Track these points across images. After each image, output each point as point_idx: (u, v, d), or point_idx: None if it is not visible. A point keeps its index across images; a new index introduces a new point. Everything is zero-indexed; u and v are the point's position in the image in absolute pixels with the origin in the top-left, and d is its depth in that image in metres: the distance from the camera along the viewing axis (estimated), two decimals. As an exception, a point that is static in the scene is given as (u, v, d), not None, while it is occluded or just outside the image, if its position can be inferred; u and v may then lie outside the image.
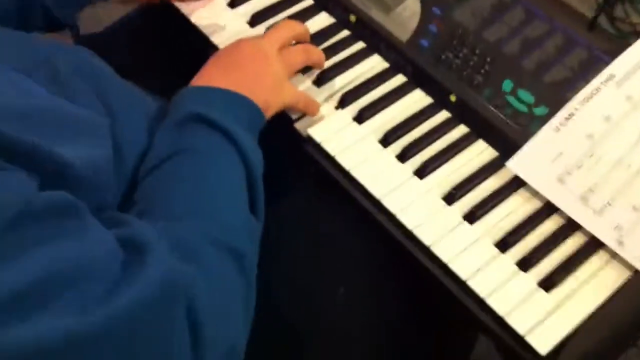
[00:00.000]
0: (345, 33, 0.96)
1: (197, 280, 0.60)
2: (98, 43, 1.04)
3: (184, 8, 0.97)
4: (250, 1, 0.99)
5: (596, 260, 0.77)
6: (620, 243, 0.76)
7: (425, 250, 0.77)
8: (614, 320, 0.74)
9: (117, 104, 0.76)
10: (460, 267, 0.75)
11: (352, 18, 0.96)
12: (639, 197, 0.78)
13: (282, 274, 0.83)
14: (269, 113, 0.82)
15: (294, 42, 0.89)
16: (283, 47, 0.86)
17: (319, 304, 0.84)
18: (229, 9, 0.98)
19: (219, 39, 0.94)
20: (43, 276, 0.49)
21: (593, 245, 0.78)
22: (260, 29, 0.96)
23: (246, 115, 0.78)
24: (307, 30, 0.91)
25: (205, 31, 0.96)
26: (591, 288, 0.75)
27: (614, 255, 0.77)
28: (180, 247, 0.62)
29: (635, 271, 0.75)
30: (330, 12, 0.98)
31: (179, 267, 0.59)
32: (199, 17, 0.97)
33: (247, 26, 0.97)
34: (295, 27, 0.90)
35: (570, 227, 0.79)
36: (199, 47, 0.96)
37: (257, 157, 0.75)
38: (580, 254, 0.77)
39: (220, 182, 0.72)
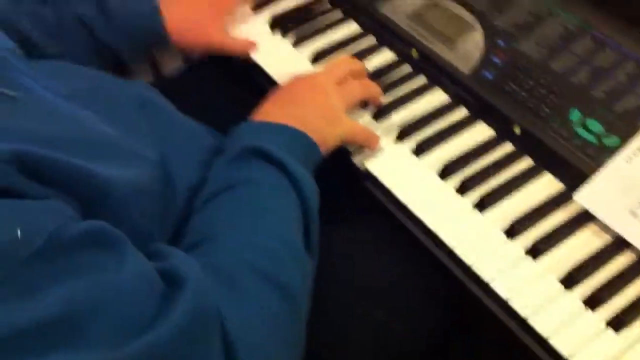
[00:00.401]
0: (407, 69, 0.95)
1: (233, 307, 0.59)
2: (173, 84, 1.08)
3: (240, 49, 0.99)
4: (313, 40, 0.99)
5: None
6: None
7: (484, 286, 0.73)
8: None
9: (171, 137, 0.77)
10: (521, 304, 0.71)
11: (414, 53, 0.94)
12: None
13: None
14: (326, 147, 0.81)
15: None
16: (340, 82, 0.86)
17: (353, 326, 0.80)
18: (293, 48, 0.99)
19: (282, 78, 0.95)
20: (70, 308, 0.49)
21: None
22: (323, 66, 0.96)
23: (302, 149, 0.77)
24: (363, 66, 0.91)
25: (269, 70, 0.97)
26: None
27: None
28: (219, 274, 0.62)
29: None
30: (393, 49, 0.97)
31: (213, 295, 0.58)
32: (262, 56, 0.97)
33: (309, 64, 0.97)
34: (352, 63, 0.89)
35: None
36: (264, 87, 0.96)
37: (312, 191, 0.74)
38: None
39: (272, 214, 0.70)
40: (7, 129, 0.57)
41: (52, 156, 0.55)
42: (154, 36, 0.93)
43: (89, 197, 0.59)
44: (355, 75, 0.89)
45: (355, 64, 0.90)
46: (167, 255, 0.62)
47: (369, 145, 0.85)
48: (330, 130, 0.81)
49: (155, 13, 0.93)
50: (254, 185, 0.72)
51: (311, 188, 0.74)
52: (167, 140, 0.76)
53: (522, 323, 0.70)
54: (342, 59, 0.90)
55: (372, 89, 0.88)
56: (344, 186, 0.88)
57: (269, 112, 0.81)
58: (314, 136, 0.78)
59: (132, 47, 0.93)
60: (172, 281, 0.57)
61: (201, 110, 0.90)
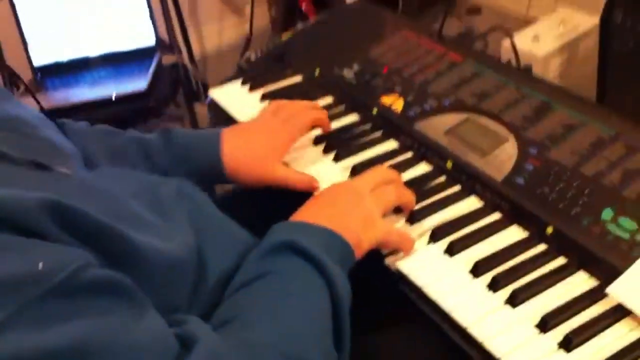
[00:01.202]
0: (442, 179, 0.97)
1: None
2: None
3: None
4: (353, 157, 1.03)
5: None
6: None
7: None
8: None
9: (208, 228, 0.81)
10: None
11: (449, 164, 0.97)
12: None
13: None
14: (361, 250, 0.82)
15: None
16: (376, 188, 0.89)
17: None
18: (333, 162, 1.03)
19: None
20: (79, 346, 0.51)
21: None
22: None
23: (336, 249, 0.79)
24: (397, 174, 0.94)
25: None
26: None
27: None
28: (246, 348, 0.62)
29: None
30: (429, 161, 1.00)
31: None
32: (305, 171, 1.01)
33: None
34: (387, 171, 0.93)
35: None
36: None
37: (345, 291, 0.75)
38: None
39: (303, 309, 0.71)
40: (49, 189, 0.61)
41: (83, 210, 0.59)
42: (210, 171, 0.97)
43: (117, 256, 0.62)
44: (390, 183, 0.92)
45: (390, 172, 0.93)
46: (184, 321, 0.63)
47: (403, 247, 0.86)
48: (365, 233, 0.82)
49: (216, 151, 0.97)
50: (287, 277, 0.73)
51: (345, 288, 0.75)
52: (202, 229, 0.79)
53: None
54: (378, 167, 0.94)
55: (407, 194, 0.91)
56: (380, 294, 0.89)
57: (307, 214, 0.83)
58: (349, 238, 0.80)
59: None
60: (186, 343, 0.59)
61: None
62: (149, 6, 1.94)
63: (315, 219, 0.81)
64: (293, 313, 0.70)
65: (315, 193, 0.88)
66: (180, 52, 2.05)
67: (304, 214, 0.83)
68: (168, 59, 1.96)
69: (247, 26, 2.65)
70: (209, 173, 0.97)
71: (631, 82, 1.76)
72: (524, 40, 2.31)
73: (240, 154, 0.98)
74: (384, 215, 0.88)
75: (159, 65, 1.89)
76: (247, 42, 2.64)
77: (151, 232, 0.69)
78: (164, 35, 2.03)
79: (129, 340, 0.55)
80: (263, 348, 0.65)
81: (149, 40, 1.97)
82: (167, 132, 0.97)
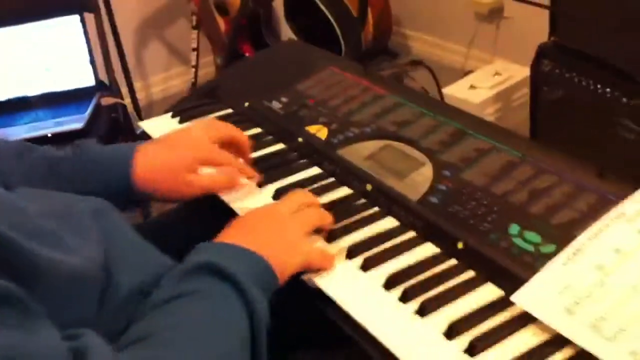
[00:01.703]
0: (361, 201, 0.99)
1: None
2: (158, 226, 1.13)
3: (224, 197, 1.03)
4: (277, 182, 1.05)
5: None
6: (637, 369, 0.68)
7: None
8: None
9: (119, 246, 0.81)
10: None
11: (368, 187, 1.00)
12: (656, 322, 0.71)
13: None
14: (285, 274, 0.82)
15: None
16: (297, 210, 0.90)
17: None
18: (256, 188, 1.05)
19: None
20: None
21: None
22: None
23: (258, 272, 0.79)
24: (316, 199, 0.96)
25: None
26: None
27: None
28: None
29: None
30: (350, 186, 1.02)
31: None
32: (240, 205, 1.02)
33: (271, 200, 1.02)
34: (306, 194, 0.95)
35: (584, 357, 0.71)
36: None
37: (264, 314, 0.75)
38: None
39: (218, 331, 0.72)
40: None
41: None
42: (119, 182, 0.95)
43: (15, 268, 0.62)
44: (309, 205, 0.94)
45: (308, 195, 0.96)
46: (79, 335, 0.63)
47: (325, 265, 0.87)
48: (289, 257, 0.83)
49: (126, 162, 0.95)
50: (204, 298, 0.74)
51: (264, 311, 0.75)
52: (113, 247, 0.79)
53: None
54: (297, 190, 0.96)
55: (326, 215, 0.93)
56: (295, 313, 0.90)
57: (229, 237, 0.84)
58: (273, 263, 0.80)
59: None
60: (77, 356, 0.59)
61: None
62: (89, 48, 1.96)
63: (238, 243, 0.81)
64: (208, 334, 0.70)
65: (236, 218, 0.89)
66: (120, 93, 2.06)
67: (228, 237, 0.84)
68: (109, 100, 1.96)
69: (192, 74, 2.69)
70: (117, 185, 0.94)
71: (560, 125, 1.84)
72: (461, 89, 2.41)
73: (154, 163, 0.96)
74: (306, 236, 0.89)
75: (98, 105, 1.90)
76: (193, 88, 2.68)
77: (55, 246, 0.70)
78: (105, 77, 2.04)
79: (19, 351, 0.55)
80: None
81: (89, 81, 1.98)
82: (77, 146, 0.97)
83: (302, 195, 0.94)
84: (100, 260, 0.76)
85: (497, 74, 2.45)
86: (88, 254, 0.75)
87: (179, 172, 0.98)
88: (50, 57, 1.97)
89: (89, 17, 2.01)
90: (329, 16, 2.57)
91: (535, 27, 1.85)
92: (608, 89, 1.66)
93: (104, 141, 1.89)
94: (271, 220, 0.87)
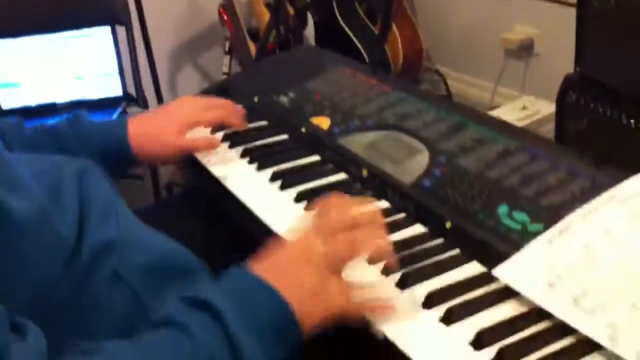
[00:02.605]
0: (357, 186, 0.99)
1: None
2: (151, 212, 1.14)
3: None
4: (275, 167, 1.05)
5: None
6: (613, 339, 0.65)
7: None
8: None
9: (95, 203, 0.82)
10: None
11: (364, 172, 0.99)
12: None
13: None
14: (306, 322, 0.67)
15: None
16: (331, 239, 0.73)
17: None
18: (255, 171, 1.05)
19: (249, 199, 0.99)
20: None
21: (586, 347, 0.67)
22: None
23: (272, 321, 0.66)
24: (356, 214, 0.76)
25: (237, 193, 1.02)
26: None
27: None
28: None
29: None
30: (347, 171, 1.02)
31: None
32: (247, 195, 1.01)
33: (268, 183, 1.02)
34: (348, 210, 0.76)
35: (562, 330, 0.69)
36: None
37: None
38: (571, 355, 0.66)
39: None
40: None
41: None
42: (117, 146, 1.02)
43: None
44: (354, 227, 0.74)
45: (353, 210, 0.76)
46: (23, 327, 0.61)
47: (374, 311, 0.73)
48: (310, 307, 0.68)
49: (123, 127, 1.03)
50: (188, 337, 0.62)
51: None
52: (88, 205, 0.81)
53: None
54: (335, 203, 0.77)
55: (373, 244, 0.75)
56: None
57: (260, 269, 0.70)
58: (297, 309, 0.67)
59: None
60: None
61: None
62: (119, 60, 2.01)
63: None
64: None
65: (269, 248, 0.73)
66: (147, 106, 2.10)
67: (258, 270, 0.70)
68: (134, 110, 2.00)
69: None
70: (115, 150, 1.01)
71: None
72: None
73: (146, 127, 1.04)
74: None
75: (123, 113, 1.94)
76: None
77: (30, 198, 0.71)
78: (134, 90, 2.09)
79: None
80: None
81: (116, 92, 2.02)
82: (74, 115, 1.03)
83: (341, 213, 0.75)
84: (74, 217, 0.77)
85: (524, 108, 2.43)
86: (63, 210, 0.76)
87: (168, 134, 1.05)
88: (80, 66, 2.02)
89: (121, 30, 2.06)
90: (359, 46, 2.60)
91: (564, 63, 1.84)
92: (632, 120, 1.64)
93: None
94: (297, 261, 0.71)
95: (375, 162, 1.00)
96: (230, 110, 1.14)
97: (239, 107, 1.17)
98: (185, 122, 1.07)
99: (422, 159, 0.97)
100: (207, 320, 0.62)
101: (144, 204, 1.21)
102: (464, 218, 0.85)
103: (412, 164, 0.97)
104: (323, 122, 1.12)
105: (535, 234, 0.79)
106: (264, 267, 0.69)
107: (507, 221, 0.82)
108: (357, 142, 1.05)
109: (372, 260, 0.77)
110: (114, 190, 0.88)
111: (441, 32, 2.82)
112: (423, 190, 0.91)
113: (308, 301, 0.68)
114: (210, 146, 1.09)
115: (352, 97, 1.18)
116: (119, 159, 1.03)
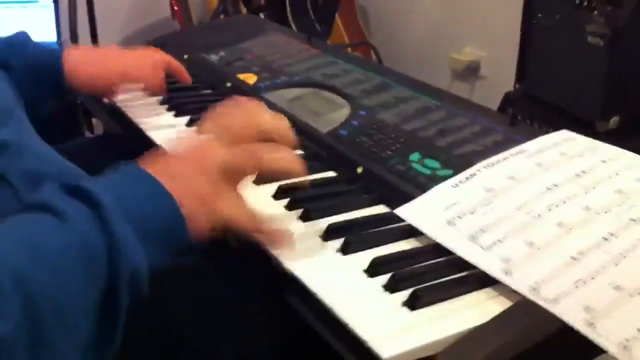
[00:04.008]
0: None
1: None
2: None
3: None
4: (195, 112, 1.02)
5: (480, 294, 0.64)
6: (508, 272, 0.64)
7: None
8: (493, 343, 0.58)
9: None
10: (323, 290, 0.64)
11: (285, 123, 0.97)
12: (537, 235, 0.67)
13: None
14: (193, 228, 0.62)
15: None
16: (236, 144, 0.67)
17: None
18: (175, 118, 1.02)
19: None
20: None
21: (476, 283, 0.65)
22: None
23: (151, 210, 0.60)
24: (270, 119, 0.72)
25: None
26: (466, 313, 0.61)
27: (500, 293, 0.64)
28: None
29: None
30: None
31: None
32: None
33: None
34: (257, 120, 0.70)
35: (458, 265, 0.67)
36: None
37: (136, 267, 0.56)
38: (461, 286, 0.65)
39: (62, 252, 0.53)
40: None
41: None
42: (49, 59, 0.95)
43: None
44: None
45: (256, 120, 0.70)
46: None
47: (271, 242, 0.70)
48: (200, 212, 0.63)
49: (59, 52, 0.96)
50: (64, 220, 0.55)
51: (137, 258, 0.56)
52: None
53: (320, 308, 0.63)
54: (241, 108, 0.71)
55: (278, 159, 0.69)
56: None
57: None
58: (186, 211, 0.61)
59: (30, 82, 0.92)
60: None
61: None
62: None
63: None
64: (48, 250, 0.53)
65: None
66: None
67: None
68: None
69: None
70: (46, 65, 0.94)
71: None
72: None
73: (83, 55, 0.98)
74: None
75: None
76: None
77: None
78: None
79: None
80: None
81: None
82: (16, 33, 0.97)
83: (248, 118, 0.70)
84: None
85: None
86: None
87: (105, 71, 0.99)
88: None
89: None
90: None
91: (509, 86, 1.87)
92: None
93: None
94: (194, 165, 0.65)
95: (296, 114, 0.98)
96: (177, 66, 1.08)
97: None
98: (128, 70, 1.01)
99: (343, 113, 0.96)
100: (84, 209, 0.55)
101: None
102: (375, 163, 0.83)
103: (333, 117, 0.95)
104: (249, 78, 1.10)
105: (443, 178, 0.78)
106: (155, 169, 0.62)
107: (418, 166, 0.81)
108: (281, 97, 1.04)
109: (277, 177, 0.74)
110: (18, 100, 0.84)
111: (393, 47, 2.83)
112: (338, 138, 0.90)
113: (195, 207, 0.61)
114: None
115: (283, 58, 1.16)
116: (50, 78, 0.95)
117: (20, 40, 0.96)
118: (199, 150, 0.67)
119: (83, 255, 0.52)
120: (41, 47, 0.98)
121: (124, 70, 1.00)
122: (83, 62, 0.97)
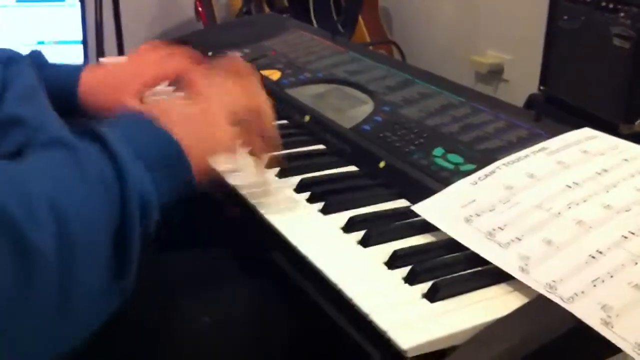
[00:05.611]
0: (296, 130, 0.97)
1: None
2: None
3: None
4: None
5: (498, 288, 0.64)
6: (524, 270, 0.64)
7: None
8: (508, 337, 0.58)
9: (18, 85, 0.80)
10: (344, 281, 0.64)
11: (307, 118, 0.98)
12: (556, 233, 0.67)
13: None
14: (193, 157, 0.66)
15: None
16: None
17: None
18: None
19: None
20: None
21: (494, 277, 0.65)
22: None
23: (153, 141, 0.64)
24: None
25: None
26: (484, 307, 0.61)
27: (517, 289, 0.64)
28: None
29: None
30: (289, 119, 1.00)
31: None
32: None
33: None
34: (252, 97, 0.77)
35: (474, 262, 0.67)
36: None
37: (144, 187, 0.59)
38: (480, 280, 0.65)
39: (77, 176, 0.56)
40: None
41: None
42: (65, 83, 0.93)
43: None
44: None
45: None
46: None
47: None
48: (198, 140, 0.68)
49: (76, 74, 0.94)
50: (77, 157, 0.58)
51: (145, 189, 0.59)
52: (13, 83, 0.79)
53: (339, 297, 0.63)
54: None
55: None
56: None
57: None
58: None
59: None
60: None
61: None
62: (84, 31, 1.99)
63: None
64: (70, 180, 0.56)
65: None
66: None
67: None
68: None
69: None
70: (61, 87, 0.92)
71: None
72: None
73: (100, 76, 0.95)
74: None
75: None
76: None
77: None
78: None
79: None
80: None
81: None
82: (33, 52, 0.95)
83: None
84: None
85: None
86: None
87: (122, 92, 0.94)
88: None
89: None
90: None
91: (533, 89, 1.86)
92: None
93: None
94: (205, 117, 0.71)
95: (319, 109, 0.98)
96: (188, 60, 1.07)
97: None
98: (146, 83, 0.96)
99: (366, 109, 0.96)
100: (96, 147, 0.58)
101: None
102: (398, 158, 0.83)
103: (356, 113, 0.96)
104: (273, 75, 1.11)
105: (466, 173, 0.77)
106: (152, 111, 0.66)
107: (441, 161, 0.81)
108: (304, 93, 1.04)
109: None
110: (40, 83, 0.85)
111: (415, 50, 2.83)
112: (362, 133, 0.90)
113: (190, 133, 0.65)
114: None
115: (306, 55, 1.17)
116: (62, 99, 0.97)
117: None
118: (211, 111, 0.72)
119: (99, 182, 0.55)
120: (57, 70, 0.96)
121: (140, 90, 0.97)
122: (95, 93, 0.94)
